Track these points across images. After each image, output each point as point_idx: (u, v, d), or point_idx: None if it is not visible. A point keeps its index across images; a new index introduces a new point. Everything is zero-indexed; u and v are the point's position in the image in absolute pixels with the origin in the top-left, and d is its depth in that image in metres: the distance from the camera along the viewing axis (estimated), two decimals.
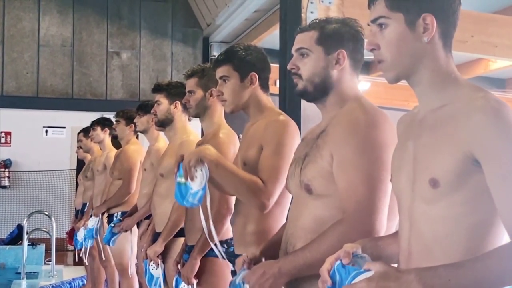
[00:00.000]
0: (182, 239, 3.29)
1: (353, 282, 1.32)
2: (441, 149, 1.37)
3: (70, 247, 9.39)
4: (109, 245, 4.60)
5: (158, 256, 3.37)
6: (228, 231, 2.77)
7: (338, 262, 1.39)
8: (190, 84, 3.06)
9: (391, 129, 1.74)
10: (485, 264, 1.23)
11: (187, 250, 2.97)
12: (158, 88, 3.76)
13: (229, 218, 2.70)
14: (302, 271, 1.74)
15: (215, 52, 10.11)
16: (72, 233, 6.92)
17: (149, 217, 4.25)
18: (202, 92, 3.02)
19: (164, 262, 3.41)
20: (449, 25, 1.47)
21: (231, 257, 2.51)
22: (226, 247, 2.77)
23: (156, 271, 3.34)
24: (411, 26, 1.44)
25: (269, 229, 2.38)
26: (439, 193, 1.35)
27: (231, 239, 2.74)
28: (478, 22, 6.88)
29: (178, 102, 3.66)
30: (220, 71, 2.47)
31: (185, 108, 3.65)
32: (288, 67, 1.97)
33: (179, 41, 10.63)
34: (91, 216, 5.20)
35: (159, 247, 3.38)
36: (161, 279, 3.30)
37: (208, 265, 2.83)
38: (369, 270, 1.31)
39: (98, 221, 5.04)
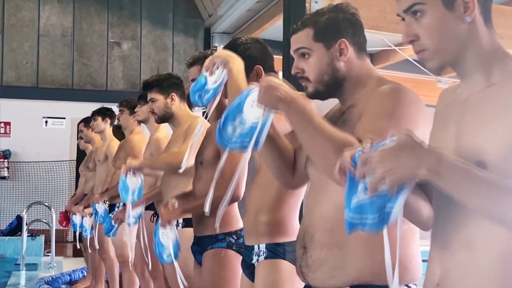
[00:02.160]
0: (189, 230, 3.20)
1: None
2: (489, 131, 1.26)
3: (70, 239, 9.36)
4: (109, 236, 4.51)
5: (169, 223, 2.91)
6: (237, 222, 2.70)
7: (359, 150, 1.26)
8: (193, 72, 2.96)
9: (423, 109, 1.64)
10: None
11: (196, 241, 2.89)
12: (148, 86, 3.64)
13: (234, 205, 2.62)
14: None
15: (217, 43, 10.03)
16: (65, 214, 6.89)
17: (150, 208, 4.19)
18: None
19: None
20: None
21: (241, 248, 2.44)
22: (235, 238, 2.69)
23: (166, 240, 2.88)
24: (450, 7, 1.33)
25: (283, 219, 2.29)
26: None
27: (241, 230, 2.68)
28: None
29: (173, 93, 3.56)
30: None
31: (182, 96, 3.56)
32: (292, 72, 1.86)
33: (180, 31, 10.55)
34: (91, 205, 5.11)
35: (176, 215, 2.93)
36: (171, 250, 2.88)
37: (218, 257, 2.74)
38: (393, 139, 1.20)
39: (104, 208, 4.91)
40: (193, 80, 2.93)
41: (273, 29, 7.86)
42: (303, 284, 1.87)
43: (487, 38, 1.36)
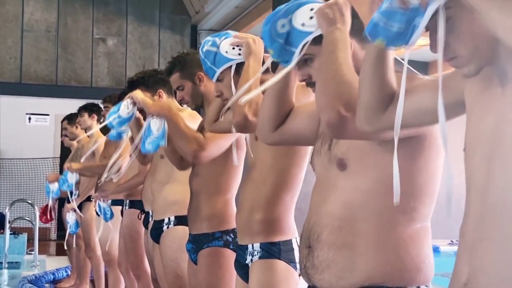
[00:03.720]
0: (181, 228, 3.14)
1: None
2: None
3: (54, 237, 9.25)
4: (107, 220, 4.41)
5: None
6: (234, 220, 2.62)
7: None
8: (174, 80, 2.92)
9: None
10: None
11: (191, 239, 2.81)
12: (134, 84, 3.51)
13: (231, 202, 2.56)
14: None
15: (203, 41, 9.95)
16: (44, 209, 6.80)
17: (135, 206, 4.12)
18: (190, 82, 2.87)
19: (161, 250, 3.26)
20: None
21: (237, 247, 2.37)
22: (233, 236, 2.62)
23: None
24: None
25: (278, 217, 2.22)
26: None
27: None
28: None
29: (160, 90, 3.48)
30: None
31: (169, 92, 3.48)
32: (299, 79, 1.80)
33: (167, 28, 10.46)
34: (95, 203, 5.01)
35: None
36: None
37: (214, 257, 2.67)
38: None
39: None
40: (177, 88, 2.88)
41: (261, 26, 7.79)
42: (299, 285, 1.80)
43: None
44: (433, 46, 1.25)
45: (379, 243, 1.58)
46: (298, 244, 2.26)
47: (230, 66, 2.31)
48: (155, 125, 2.75)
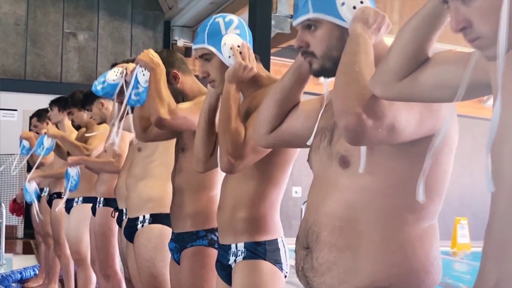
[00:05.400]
0: (157, 227, 3.03)
1: None
2: None
3: (20, 235, 9.06)
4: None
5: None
6: None
7: None
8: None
9: None
10: None
11: (174, 238, 2.69)
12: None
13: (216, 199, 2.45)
14: None
15: (177, 37, 9.84)
16: (14, 202, 6.72)
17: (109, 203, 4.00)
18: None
19: (135, 249, 3.13)
20: None
21: (218, 247, 2.26)
22: (218, 235, 2.49)
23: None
24: None
25: (264, 215, 2.11)
26: None
27: None
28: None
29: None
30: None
31: None
32: (296, 45, 1.65)
33: (139, 24, 10.30)
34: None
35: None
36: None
37: (198, 256, 2.54)
38: None
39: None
40: None
41: None
42: (284, 287, 1.70)
43: None
44: (454, 25, 1.13)
45: (384, 244, 1.48)
46: (284, 243, 2.18)
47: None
48: (143, 77, 2.67)
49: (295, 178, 8.51)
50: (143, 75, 2.64)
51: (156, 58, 2.61)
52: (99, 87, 3.01)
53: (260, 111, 1.83)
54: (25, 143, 5.52)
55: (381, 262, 1.48)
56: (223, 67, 2.18)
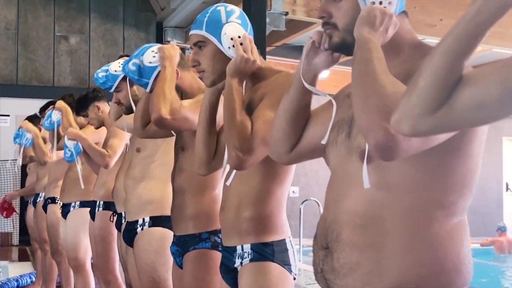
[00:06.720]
0: (158, 230, 2.95)
1: None
2: None
3: (16, 242, 8.98)
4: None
5: None
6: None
7: None
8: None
9: None
10: None
11: (175, 241, 2.60)
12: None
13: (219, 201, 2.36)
14: None
15: (169, 38, 9.74)
16: (4, 204, 6.64)
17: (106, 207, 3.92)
18: None
19: (134, 253, 3.06)
20: None
21: (222, 249, 2.17)
22: (221, 237, 2.41)
23: None
24: None
25: (271, 214, 2.01)
26: None
27: None
28: (447, 5, 6.76)
29: None
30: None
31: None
32: (318, 14, 1.54)
33: (131, 25, 10.21)
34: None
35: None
36: None
37: (201, 260, 2.45)
38: None
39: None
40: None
41: None
42: None
43: None
44: None
45: (412, 243, 1.38)
46: (292, 244, 2.09)
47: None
48: (152, 58, 2.68)
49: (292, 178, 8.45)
50: (153, 56, 2.66)
51: (174, 58, 2.63)
52: (100, 75, 3.14)
53: (273, 131, 1.72)
54: (28, 135, 5.39)
55: (408, 262, 1.38)
56: (216, 57, 2.10)
